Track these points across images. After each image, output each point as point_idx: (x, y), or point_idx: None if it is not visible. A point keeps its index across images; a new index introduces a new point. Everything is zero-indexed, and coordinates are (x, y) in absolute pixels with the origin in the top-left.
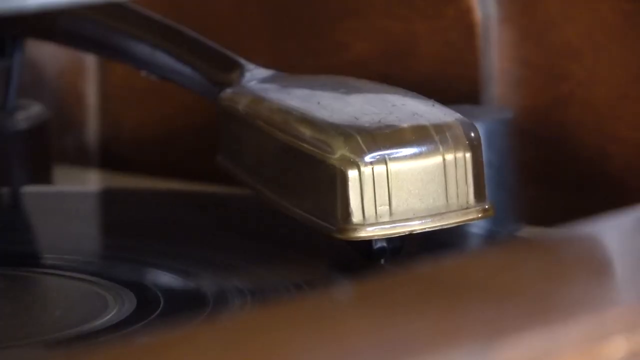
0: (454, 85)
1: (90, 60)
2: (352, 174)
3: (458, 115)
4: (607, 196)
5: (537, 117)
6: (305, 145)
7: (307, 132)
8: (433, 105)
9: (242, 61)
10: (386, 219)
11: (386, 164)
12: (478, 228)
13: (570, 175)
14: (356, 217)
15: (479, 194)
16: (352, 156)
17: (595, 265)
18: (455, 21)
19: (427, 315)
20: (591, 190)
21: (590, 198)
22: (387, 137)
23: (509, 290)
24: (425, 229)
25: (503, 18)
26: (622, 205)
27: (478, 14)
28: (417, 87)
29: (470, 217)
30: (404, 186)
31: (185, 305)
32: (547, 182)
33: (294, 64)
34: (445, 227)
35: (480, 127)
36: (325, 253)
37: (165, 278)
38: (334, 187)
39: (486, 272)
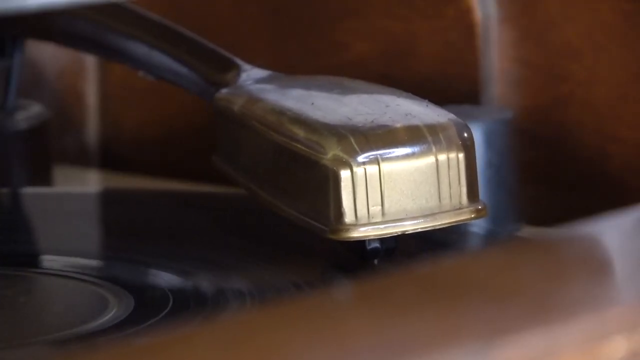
0: (454, 85)
1: (90, 60)
2: (344, 174)
3: (451, 116)
4: (607, 196)
5: (537, 117)
6: (299, 145)
7: (300, 132)
8: (427, 105)
9: (239, 62)
10: (379, 219)
11: (379, 164)
12: (478, 228)
13: (570, 175)
14: (348, 217)
15: (472, 195)
16: (344, 156)
17: (595, 265)
18: (455, 21)
19: (427, 316)
20: (591, 190)
21: (590, 198)
22: (380, 137)
23: (509, 290)
24: (417, 229)
25: (503, 18)
26: (622, 205)
27: (478, 14)
28: (417, 87)
29: (463, 217)
30: (397, 186)
31: (184, 306)
32: (547, 182)
33: (294, 64)
34: (438, 227)
35: (480, 127)
36: (324, 253)
37: (164, 278)
38: (326, 187)
39: (486, 272)
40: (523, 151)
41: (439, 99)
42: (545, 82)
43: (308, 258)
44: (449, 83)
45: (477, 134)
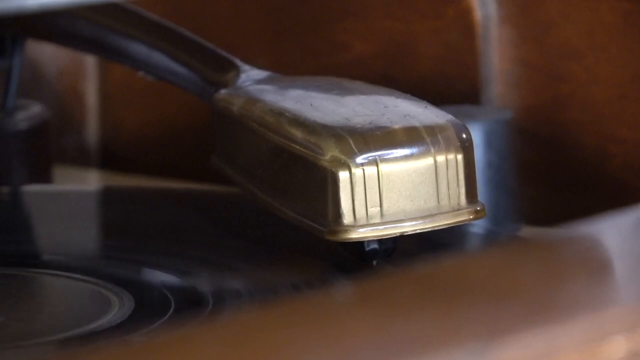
0: (454, 85)
1: (90, 60)
2: (343, 175)
3: (450, 117)
4: (607, 196)
5: (537, 117)
6: (297, 146)
7: (298, 133)
8: (425, 107)
9: (238, 62)
10: (377, 220)
11: (377, 165)
12: (478, 228)
13: (570, 175)
14: (347, 218)
15: (471, 195)
16: (343, 157)
17: (595, 265)
18: (455, 21)
19: (427, 316)
20: (591, 190)
21: (590, 198)
22: (378, 138)
23: (509, 290)
24: (416, 230)
25: (503, 18)
26: (622, 205)
27: (478, 14)
28: (417, 87)
29: (462, 218)
30: (395, 187)
31: (184, 306)
32: (547, 182)
33: (294, 64)
34: (437, 228)
35: (480, 127)
36: (324, 253)
37: (164, 278)
38: (325, 188)
39: (486, 272)
40: (523, 151)
41: (439, 99)
42: (545, 82)
43: (308, 258)
44: (448, 83)
45: (477, 134)
